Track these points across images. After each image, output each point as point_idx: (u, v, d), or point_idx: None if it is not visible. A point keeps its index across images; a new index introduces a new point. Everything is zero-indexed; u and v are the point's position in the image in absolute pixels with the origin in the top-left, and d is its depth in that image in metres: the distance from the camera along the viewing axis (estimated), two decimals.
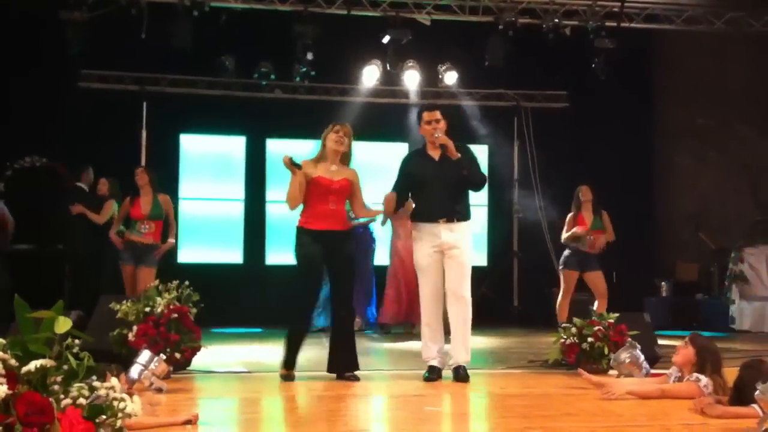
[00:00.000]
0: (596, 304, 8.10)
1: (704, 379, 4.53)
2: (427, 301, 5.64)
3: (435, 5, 9.15)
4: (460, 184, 5.63)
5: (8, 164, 9.56)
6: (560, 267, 8.22)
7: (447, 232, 5.53)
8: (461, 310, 5.54)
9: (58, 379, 2.55)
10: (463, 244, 5.58)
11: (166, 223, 7.76)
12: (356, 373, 5.49)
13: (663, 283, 10.59)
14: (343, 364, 5.51)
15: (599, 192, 8.74)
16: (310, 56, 9.27)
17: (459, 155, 5.55)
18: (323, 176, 5.51)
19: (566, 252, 8.18)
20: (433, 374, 5.53)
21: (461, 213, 5.63)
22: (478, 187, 5.76)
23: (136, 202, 7.66)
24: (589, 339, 5.88)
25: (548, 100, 11.64)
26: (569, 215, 8.14)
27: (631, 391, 4.71)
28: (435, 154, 5.67)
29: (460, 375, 5.48)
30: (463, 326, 5.56)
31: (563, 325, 6.18)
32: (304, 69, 10.08)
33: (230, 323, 9.21)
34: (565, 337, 6.05)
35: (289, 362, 5.47)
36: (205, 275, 8.75)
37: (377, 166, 10.73)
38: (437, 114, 5.65)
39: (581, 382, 5.11)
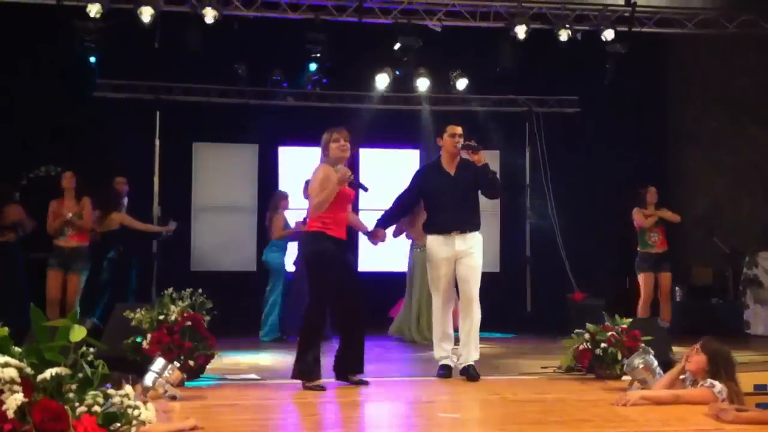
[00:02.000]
0: (661, 306, 8.72)
1: (718, 385, 4.51)
2: (440, 308, 6.02)
3: (446, 12, 9.17)
4: (472, 196, 5.98)
5: (23, 173, 9.62)
6: (637, 272, 8.78)
7: (460, 242, 5.88)
8: (471, 312, 5.88)
9: (73, 386, 2.58)
10: (474, 250, 5.92)
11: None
12: (363, 377, 5.51)
13: (677, 287, 10.53)
14: (351, 367, 5.51)
15: (611, 195, 8.79)
16: (318, 65, 9.32)
17: (486, 162, 5.89)
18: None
19: (639, 257, 8.80)
20: (446, 372, 5.94)
21: (473, 224, 5.97)
22: (494, 195, 6.16)
23: (61, 205, 7.69)
24: (603, 344, 5.85)
25: (560, 105, 11.62)
26: (636, 209, 8.72)
27: (645, 397, 4.69)
28: (450, 168, 6.01)
29: (471, 374, 5.80)
30: (473, 327, 5.88)
31: (576, 330, 6.15)
32: (316, 77, 10.13)
33: (244, 331, 9.24)
34: (578, 342, 6.04)
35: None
36: (218, 283, 8.79)
37: (389, 172, 10.77)
38: (460, 130, 5.97)
39: (595, 387, 5.10)
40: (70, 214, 7.65)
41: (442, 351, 6.00)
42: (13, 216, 8.23)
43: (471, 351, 5.87)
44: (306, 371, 5.34)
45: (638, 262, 8.81)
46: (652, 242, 8.72)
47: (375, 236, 5.89)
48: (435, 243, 5.95)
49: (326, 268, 5.38)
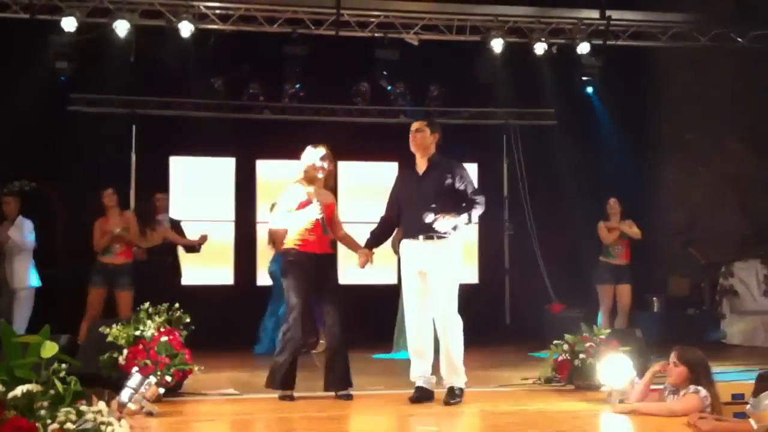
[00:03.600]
0: (617, 318, 8.46)
1: (703, 391, 4.53)
2: (412, 321, 5.49)
3: (423, 25, 9.21)
4: (443, 199, 5.35)
5: None
6: (596, 283, 8.58)
7: (427, 250, 5.35)
8: (448, 331, 5.34)
9: (45, 403, 2.54)
10: (444, 261, 5.35)
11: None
12: (350, 392, 5.51)
13: (654, 298, 10.58)
14: (338, 382, 5.50)
15: (588, 207, 8.82)
16: (298, 79, 9.34)
17: (448, 218, 5.25)
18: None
19: (600, 268, 8.58)
20: (419, 395, 5.35)
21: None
22: (475, 218, 5.51)
23: (106, 222, 7.75)
24: (581, 355, 5.87)
25: (537, 117, 11.69)
26: (600, 224, 8.58)
27: (637, 410, 4.68)
28: (420, 167, 5.57)
29: (452, 397, 5.30)
30: (452, 348, 5.34)
31: (555, 342, 6.16)
32: (293, 90, 10.13)
33: (221, 345, 9.15)
34: (557, 353, 6.05)
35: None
36: (195, 297, 8.72)
37: (366, 185, 10.77)
38: (419, 124, 5.60)
39: (574, 398, 5.10)
40: (118, 229, 7.75)
41: (416, 370, 5.44)
42: None
43: (452, 376, 5.34)
44: (271, 378, 5.48)
45: (598, 272, 8.56)
46: (615, 253, 8.55)
47: (361, 259, 5.57)
48: (403, 249, 5.52)
49: (291, 282, 5.50)
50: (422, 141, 5.54)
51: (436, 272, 5.35)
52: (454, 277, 5.40)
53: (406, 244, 5.51)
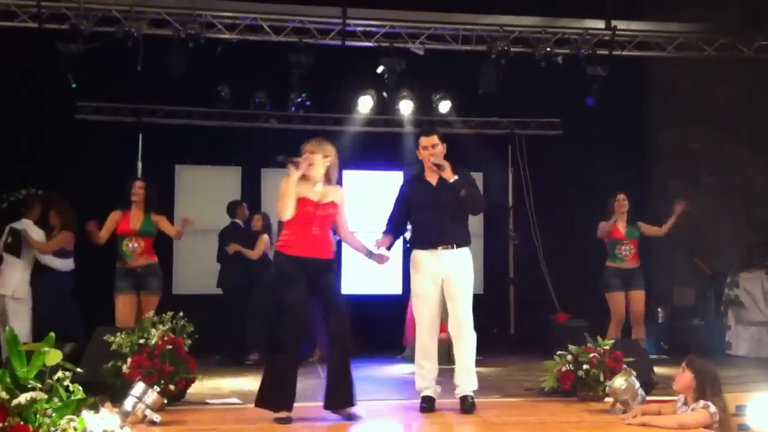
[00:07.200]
0: (633, 329, 8.09)
1: (713, 407, 4.53)
2: (425, 331, 5.56)
3: (428, 35, 9.24)
4: (458, 208, 5.55)
5: (4, 196, 9.55)
6: (605, 291, 8.08)
7: (447, 259, 5.48)
8: (465, 339, 5.48)
9: (49, 411, 2.55)
10: (464, 270, 5.53)
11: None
12: (353, 410, 5.15)
13: (659, 308, 10.57)
14: (336, 399, 5.15)
15: (593, 217, 8.79)
16: (304, 87, 9.36)
17: (456, 177, 5.48)
18: (308, 197, 5.19)
19: (607, 273, 8.08)
20: (429, 404, 5.46)
21: (461, 239, 5.57)
22: (476, 210, 5.71)
23: (126, 216, 7.05)
24: (585, 366, 5.86)
25: (542, 127, 11.71)
26: (603, 222, 8.18)
27: (648, 423, 4.68)
28: (432, 178, 5.63)
29: (465, 407, 5.37)
30: (466, 353, 5.48)
31: (559, 352, 6.15)
32: (300, 99, 10.16)
33: (226, 354, 9.15)
34: (560, 364, 6.05)
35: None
36: (200, 306, 8.73)
37: (372, 194, 10.77)
38: (434, 139, 5.59)
39: (577, 409, 5.08)
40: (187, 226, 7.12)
41: (423, 380, 5.53)
42: None
43: (468, 381, 5.44)
44: (265, 399, 5.04)
45: (606, 278, 8.03)
46: (623, 256, 8.06)
47: (379, 259, 5.48)
48: (421, 258, 5.53)
49: (280, 290, 5.04)
50: (441, 155, 5.58)
51: (456, 281, 5.49)
52: (471, 285, 5.55)
53: (421, 254, 5.55)
